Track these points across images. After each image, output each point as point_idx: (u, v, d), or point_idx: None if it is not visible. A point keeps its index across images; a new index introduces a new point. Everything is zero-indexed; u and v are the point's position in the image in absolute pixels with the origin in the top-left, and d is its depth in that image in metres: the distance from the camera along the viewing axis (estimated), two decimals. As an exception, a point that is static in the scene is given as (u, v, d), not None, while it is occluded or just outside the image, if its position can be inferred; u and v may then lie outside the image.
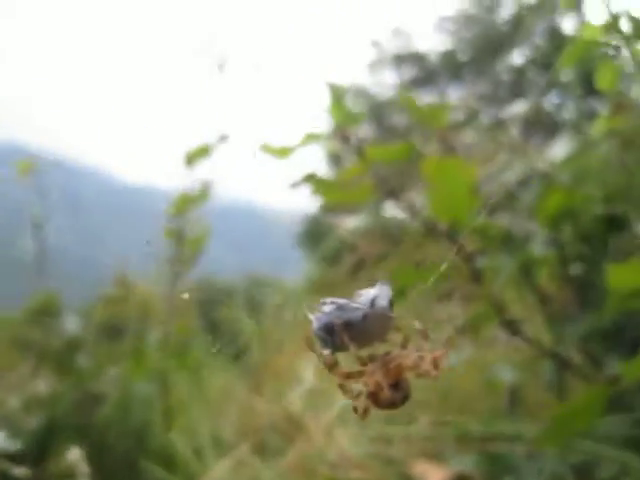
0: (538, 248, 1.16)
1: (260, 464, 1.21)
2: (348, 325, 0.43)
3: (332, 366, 0.43)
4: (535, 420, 1.14)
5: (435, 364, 0.43)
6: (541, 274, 1.16)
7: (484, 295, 1.01)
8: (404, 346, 0.44)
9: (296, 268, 2.45)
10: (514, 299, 1.18)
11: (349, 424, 1.17)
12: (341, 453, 1.14)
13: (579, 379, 1.07)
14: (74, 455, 1.07)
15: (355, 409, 0.43)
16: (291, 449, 1.20)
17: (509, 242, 1.13)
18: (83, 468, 1.04)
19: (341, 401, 1.25)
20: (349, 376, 0.43)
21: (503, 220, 1.24)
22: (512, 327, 1.02)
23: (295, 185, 1.11)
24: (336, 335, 0.43)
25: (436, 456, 1.07)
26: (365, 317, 0.43)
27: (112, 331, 1.84)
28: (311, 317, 0.44)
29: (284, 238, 2.31)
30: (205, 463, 1.22)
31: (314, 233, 2.21)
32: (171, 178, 1.61)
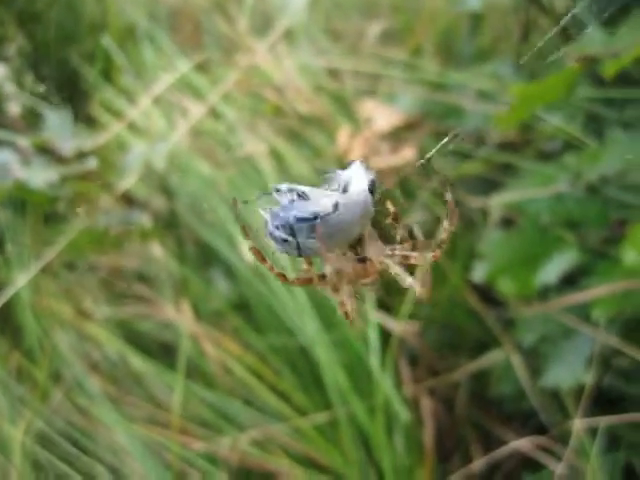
0: None
1: (202, 79, 1.17)
2: (316, 220, 0.32)
3: (307, 278, 0.36)
4: (491, 58, 1.10)
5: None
6: None
7: None
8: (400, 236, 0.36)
9: None
10: None
11: (297, 53, 1.10)
12: (288, 80, 1.10)
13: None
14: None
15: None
16: (235, 67, 1.15)
17: None
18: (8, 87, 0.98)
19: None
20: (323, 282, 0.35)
21: None
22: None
23: None
24: (300, 234, 0.32)
25: (385, 96, 1.06)
26: (337, 206, 0.32)
27: None
28: (264, 214, 0.33)
29: None
30: (147, 78, 1.16)
31: None
32: None
